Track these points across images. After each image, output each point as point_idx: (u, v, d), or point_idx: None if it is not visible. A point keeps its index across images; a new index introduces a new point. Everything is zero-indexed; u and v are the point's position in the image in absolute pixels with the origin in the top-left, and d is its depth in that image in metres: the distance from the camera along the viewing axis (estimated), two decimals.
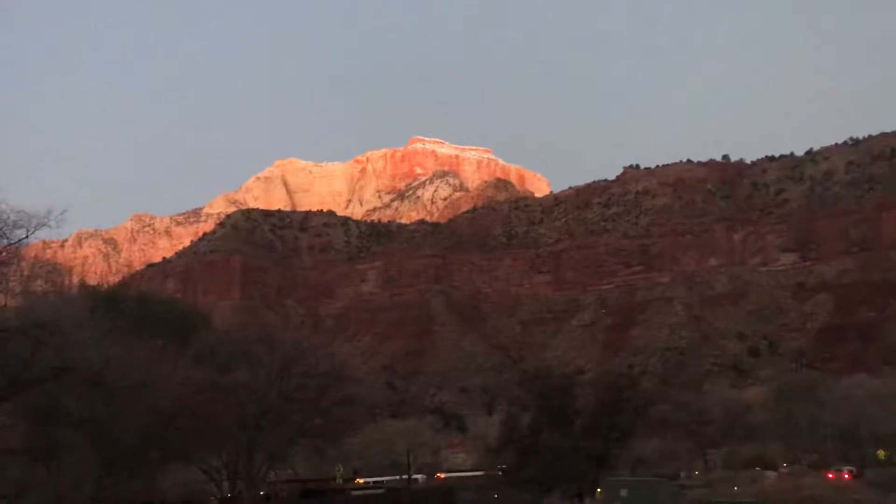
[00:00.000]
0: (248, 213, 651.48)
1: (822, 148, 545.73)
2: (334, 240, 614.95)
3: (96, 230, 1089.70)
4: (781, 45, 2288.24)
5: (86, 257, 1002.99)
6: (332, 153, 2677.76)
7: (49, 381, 49.91)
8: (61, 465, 55.53)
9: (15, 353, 47.73)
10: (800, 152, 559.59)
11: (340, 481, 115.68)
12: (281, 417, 77.67)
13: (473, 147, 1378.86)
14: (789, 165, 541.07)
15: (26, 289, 54.66)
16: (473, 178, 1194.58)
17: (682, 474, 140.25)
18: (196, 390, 67.93)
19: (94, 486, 55.36)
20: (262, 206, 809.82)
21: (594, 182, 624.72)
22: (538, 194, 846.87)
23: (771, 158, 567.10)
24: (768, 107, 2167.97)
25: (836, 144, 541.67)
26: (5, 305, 53.65)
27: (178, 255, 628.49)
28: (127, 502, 53.96)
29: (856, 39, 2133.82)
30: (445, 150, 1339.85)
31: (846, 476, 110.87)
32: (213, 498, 70.38)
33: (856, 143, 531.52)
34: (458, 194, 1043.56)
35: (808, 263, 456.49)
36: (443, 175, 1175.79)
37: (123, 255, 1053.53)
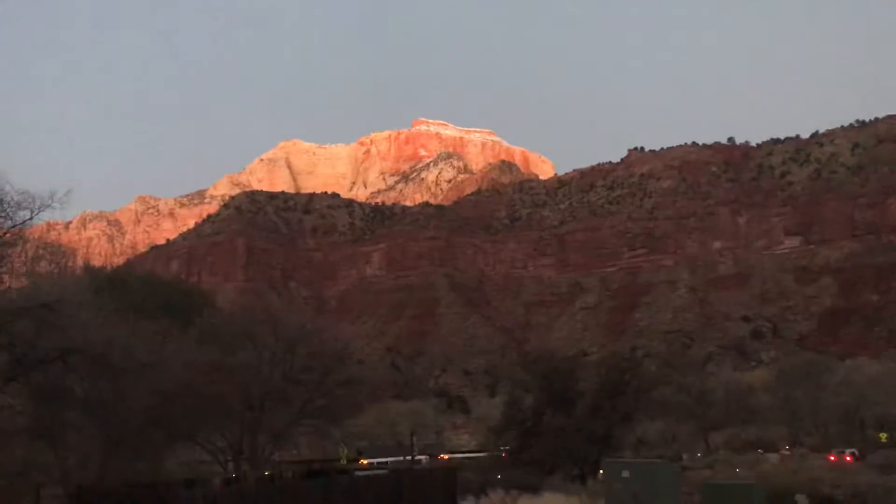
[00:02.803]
0: (253, 195, 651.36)
1: (827, 130, 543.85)
2: (338, 222, 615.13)
3: (101, 212, 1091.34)
4: (787, 28, 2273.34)
5: (90, 239, 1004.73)
6: (335, 135, 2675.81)
7: (54, 361, 50.17)
8: (67, 445, 55.95)
9: (20, 334, 47.98)
10: (805, 135, 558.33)
11: (345, 462, 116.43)
12: (285, 398, 78.05)
13: (478, 129, 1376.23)
14: (794, 148, 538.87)
15: (31, 270, 54.87)
16: (478, 160, 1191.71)
17: (685, 456, 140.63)
18: (200, 371, 68.17)
19: (100, 466, 55.80)
20: (266, 188, 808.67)
21: (599, 164, 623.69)
22: (542, 176, 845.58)
23: (776, 141, 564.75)
24: (774, 89, 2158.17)
25: (842, 127, 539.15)
26: (10, 287, 53.87)
27: (183, 236, 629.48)
28: (132, 482, 54.34)
29: (862, 21, 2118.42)
30: (450, 131, 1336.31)
31: (848, 459, 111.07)
32: (217, 478, 70.85)
33: (862, 125, 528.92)
34: (462, 176, 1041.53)
35: (813, 246, 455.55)
36: (447, 157, 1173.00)
37: (128, 236, 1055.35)
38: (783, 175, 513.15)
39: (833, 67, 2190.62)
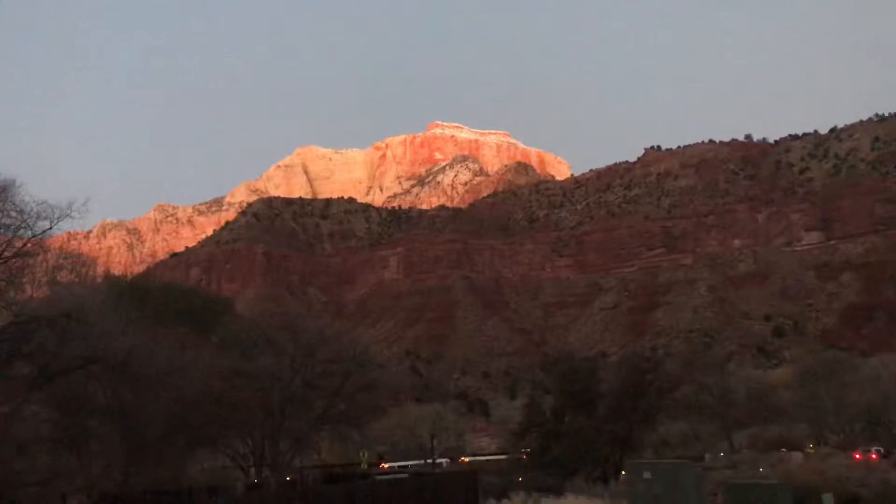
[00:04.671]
0: (270, 202, 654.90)
1: (846, 125, 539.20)
2: (355, 227, 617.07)
3: (120, 221, 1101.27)
4: (805, 22, 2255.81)
5: (110, 248, 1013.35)
6: (351, 140, 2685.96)
7: (76, 370, 50.50)
8: (90, 453, 56.30)
9: (42, 344, 48.32)
10: (824, 130, 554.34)
11: (365, 466, 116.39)
12: (305, 404, 78.03)
13: (493, 131, 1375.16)
14: (813, 143, 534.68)
15: (52, 280, 55.29)
16: (493, 163, 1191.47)
17: (707, 456, 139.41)
18: (221, 378, 68.41)
19: (123, 473, 56.11)
20: (283, 195, 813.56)
21: (615, 164, 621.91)
22: (559, 177, 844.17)
23: (794, 137, 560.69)
24: (791, 85, 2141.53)
25: (861, 121, 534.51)
26: (32, 296, 54.28)
27: (202, 244, 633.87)
28: (154, 489, 54.65)
29: (880, 15, 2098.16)
30: (465, 134, 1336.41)
31: (874, 456, 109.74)
32: (239, 484, 71.10)
33: (881, 119, 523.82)
34: (478, 179, 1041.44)
35: (833, 242, 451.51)
36: (463, 160, 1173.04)
37: (147, 244, 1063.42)
38: (802, 171, 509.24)
39: (851, 61, 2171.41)
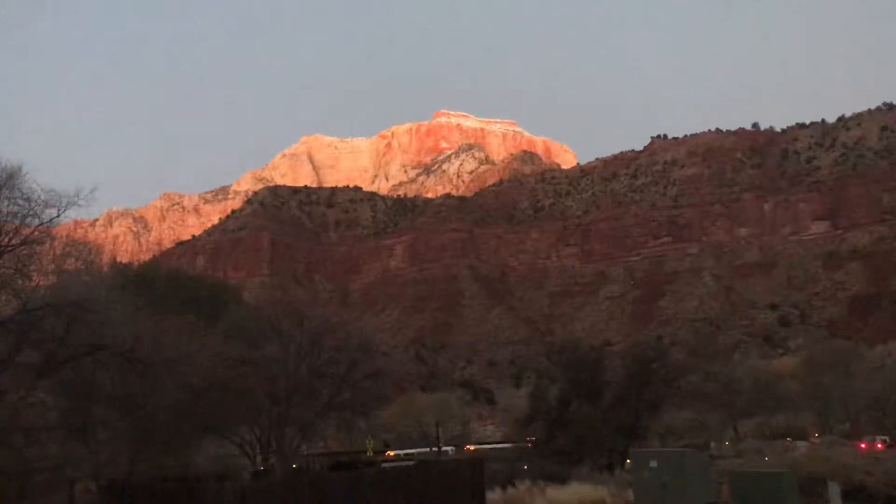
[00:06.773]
0: (276, 190, 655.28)
1: (854, 114, 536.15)
2: (361, 215, 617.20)
3: (126, 209, 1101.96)
4: (811, 9, 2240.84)
5: (116, 236, 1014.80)
6: (357, 129, 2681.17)
7: (83, 357, 50.60)
8: (98, 440, 56.52)
9: (49, 331, 48.41)
10: (831, 118, 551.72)
11: (371, 454, 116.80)
12: (311, 391, 78.23)
13: (499, 119, 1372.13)
14: (820, 132, 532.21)
15: (59, 268, 55.23)
16: (499, 151, 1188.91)
17: (712, 445, 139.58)
18: (227, 365, 68.45)
19: (130, 461, 56.34)
20: (288, 183, 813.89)
21: (621, 153, 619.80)
22: (565, 166, 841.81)
23: (802, 125, 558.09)
24: (798, 73, 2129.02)
25: (869, 110, 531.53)
26: (39, 284, 54.35)
27: (208, 232, 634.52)
28: (162, 476, 54.89)
29: (888, 2, 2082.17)
30: (471, 123, 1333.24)
31: (879, 446, 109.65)
32: (246, 471, 71.37)
33: (890, 107, 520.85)
34: (483, 167, 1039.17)
35: (840, 232, 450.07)
36: (468, 148, 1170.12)
37: (153, 233, 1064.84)
38: (809, 160, 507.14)
39: (859, 49, 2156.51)
